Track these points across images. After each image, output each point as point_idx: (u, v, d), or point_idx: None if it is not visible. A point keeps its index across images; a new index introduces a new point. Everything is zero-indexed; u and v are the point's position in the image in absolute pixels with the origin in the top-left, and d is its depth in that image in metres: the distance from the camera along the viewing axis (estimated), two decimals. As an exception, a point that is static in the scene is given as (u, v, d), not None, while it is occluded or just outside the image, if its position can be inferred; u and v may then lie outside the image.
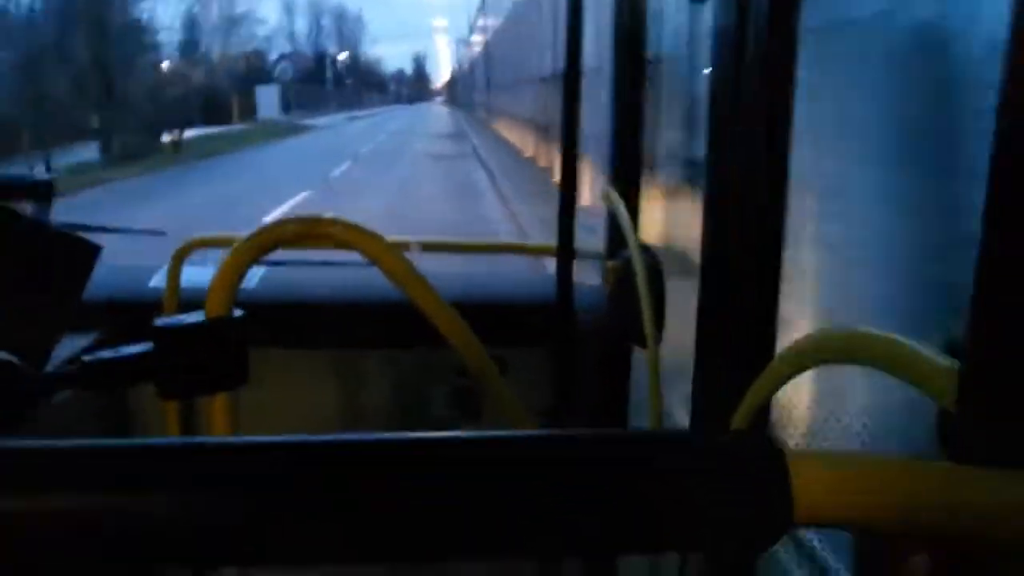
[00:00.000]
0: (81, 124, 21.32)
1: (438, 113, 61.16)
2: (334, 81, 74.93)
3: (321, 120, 41.75)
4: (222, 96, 40.00)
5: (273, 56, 76.89)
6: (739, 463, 0.39)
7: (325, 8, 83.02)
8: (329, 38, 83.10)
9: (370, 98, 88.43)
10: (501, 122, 26.22)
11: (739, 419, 0.57)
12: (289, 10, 78.09)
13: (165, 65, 36.53)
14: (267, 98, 35.51)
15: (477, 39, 48.02)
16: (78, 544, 0.35)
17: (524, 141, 16.99)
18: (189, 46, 70.12)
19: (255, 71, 71.05)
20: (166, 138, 23.21)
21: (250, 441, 0.39)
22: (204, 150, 22.41)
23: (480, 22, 40.28)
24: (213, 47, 73.14)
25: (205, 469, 0.37)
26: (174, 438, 0.73)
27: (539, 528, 0.37)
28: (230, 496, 0.36)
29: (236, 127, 33.40)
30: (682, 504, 0.38)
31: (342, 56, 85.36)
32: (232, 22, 75.57)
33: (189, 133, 26.57)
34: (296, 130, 32.12)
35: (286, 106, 44.07)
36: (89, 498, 0.36)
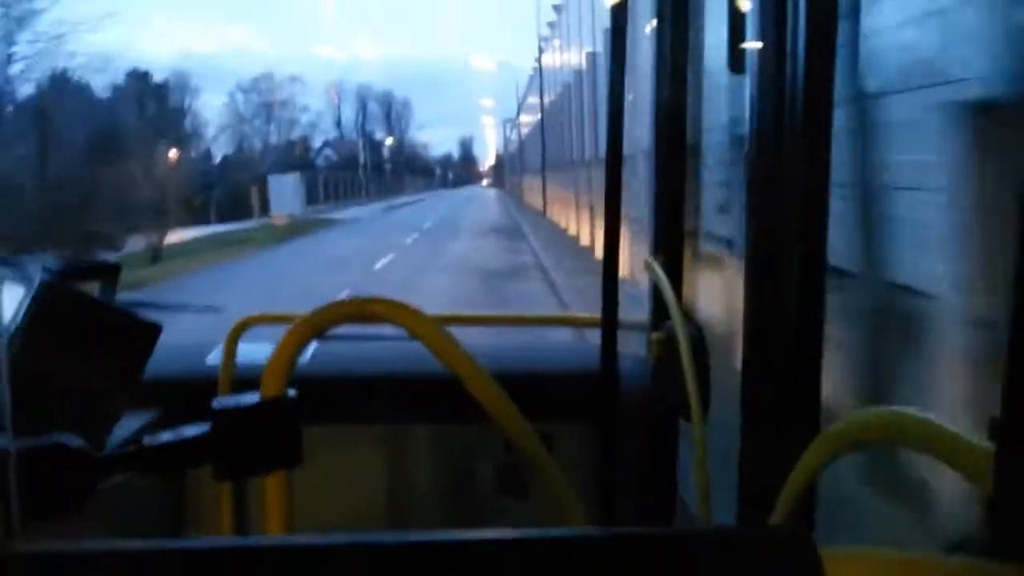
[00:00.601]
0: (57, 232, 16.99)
1: (485, 199, 55.98)
2: (374, 167, 70.97)
3: (352, 212, 36.43)
4: (243, 189, 35.15)
5: (318, 143, 74.65)
6: (775, 563, 0.40)
7: (371, 94, 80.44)
8: (376, 124, 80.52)
9: (414, 183, 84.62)
10: (561, 210, 20.53)
11: (784, 500, 0.58)
12: (336, 96, 75.43)
13: (175, 157, 31.98)
14: (283, 189, 29.91)
15: (525, 119, 43.81)
16: None
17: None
18: (224, 135, 67.37)
19: (297, 159, 67.92)
20: (141, 244, 18.43)
21: (302, 543, 0.41)
22: (180, 262, 16.94)
23: (531, 99, 37.29)
24: (253, 136, 70.44)
25: (260, 573, 0.39)
26: (225, 538, 0.79)
27: None
28: None
29: (243, 225, 28.17)
30: None
31: (388, 141, 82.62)
32: (272, 108, 73.03)
33: (185, 234, 21.69)
34: (315, 227, 26.55)
35: (314, 196, 38.89)
36: None
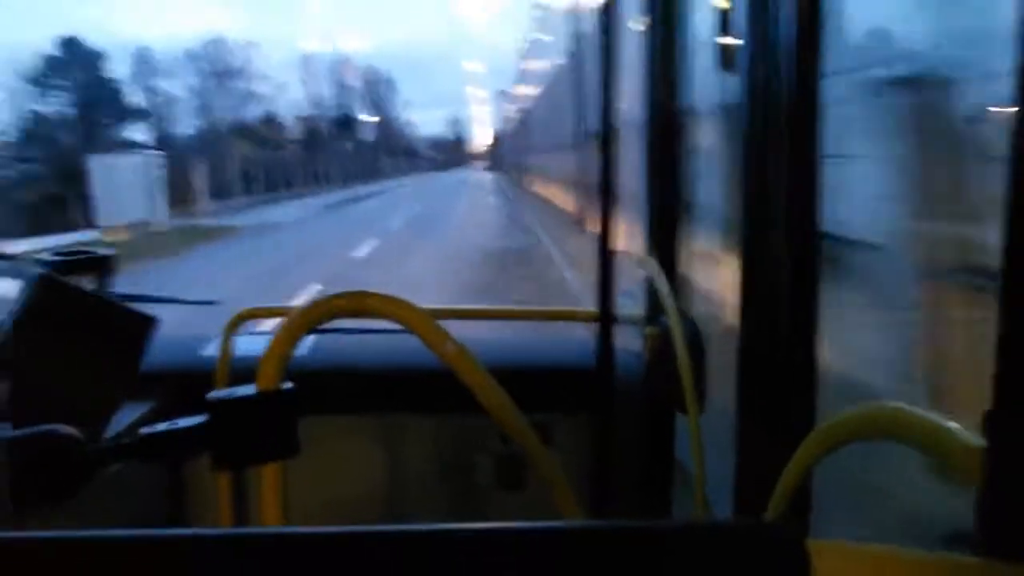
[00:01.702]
0: None
1: (479, 188, 43.46)
2: (330, 146, 58.93)
3: (278, 212, 23.97)
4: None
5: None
6: (760, 554, 0.41)
7: (350, 69, 69.81)
8: (357, 102, 70.46)
9: (395, 166, 72.75)
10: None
11: (779, 494, 0.59)
12: (304, 68, 64.61)
13: None
14: (118, 182, 17.12)
15: (526, 90, 35.80)
16: None
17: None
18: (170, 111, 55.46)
19: (259, 138, 56.19)
20: None
21: (297, 532, 0.42)
22: None
23: (529, 65, 31.54)
24: (202, 111, 58.24)
25: (256, 563, 0.40)
26: (222, 529, 0.78)
27: None
28: None
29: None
30: None
31: (368, 120, 72.04)
32: (222, 77, 60.71)
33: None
34: (157, 251, 14.01)
35: (217, 189, 26.41)
36: None
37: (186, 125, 53.56)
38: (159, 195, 18.68)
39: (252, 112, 58.99)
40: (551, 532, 0.43)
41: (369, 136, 71.78)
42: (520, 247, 13.65)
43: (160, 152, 21.05)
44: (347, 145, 59.75)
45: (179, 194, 23.11)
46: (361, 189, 40.83)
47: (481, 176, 64.67)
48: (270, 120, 59.21)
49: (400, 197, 32.83)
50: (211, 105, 56.89)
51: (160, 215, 18.16)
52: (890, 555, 0.41)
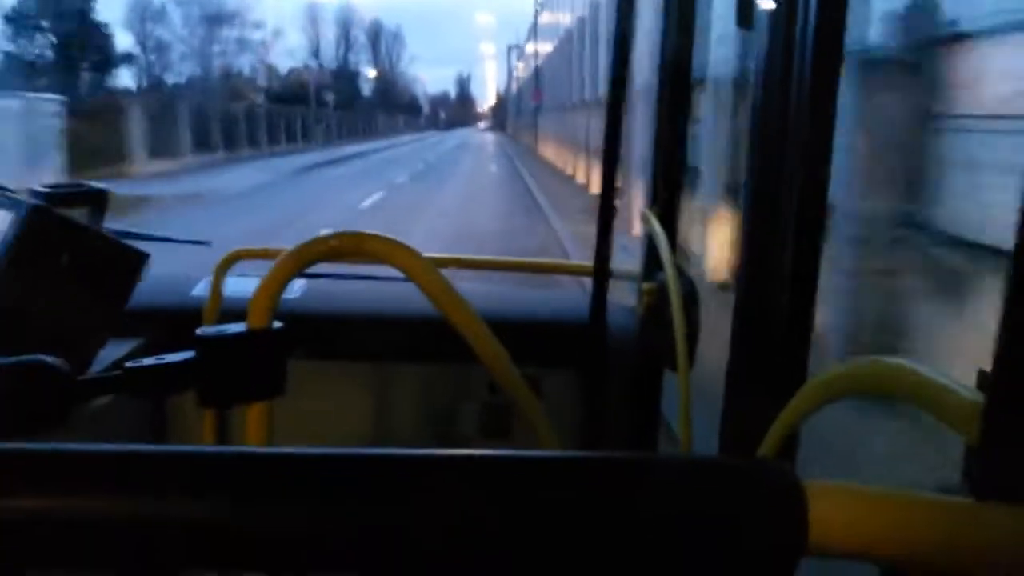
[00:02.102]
0: None
1: (480, 150, 38.86)
2: (341, 103, 54.33)
3: (231, 177, 19.42)
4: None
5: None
6: (756, 491, 0.41)
7: (356, 21, 65.27)
8: (363, 55, 66.04)
9: (393, 124, 68.01)
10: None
11: (767, 445, 0.58)
12: (307, 19, 60.14)
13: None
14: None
15: (540, 47, 33.42)
16: (105, 547, 0.37)
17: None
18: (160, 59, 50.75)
19: (251, 90, 51.59)
20: None
21: (280, 453, 0.41)
22: None
23: (545, 18, 29.91)
24: (190, 58, 53.49)
25: (236, 478, 0.39)
26: (208, 447, 0.77)
27: (553, 548, 0.39)
28: (258, 506, 0.38)
29: None
30: (696, 529, 0.40)
31: (371, 74, 67.36)
32: (212, 22, 55.74)
33: None
34: None
35: (164, 147, 21.80)
36: (117, 503, 0.37)
37: (173, 74, 49.37)
38: (49, 153, 14.19)
39: (244, 62, 54.63)
40: (540, 461, 0.42)
41: (368, 92, 67.22)
42: (532, 247, 9.29)
43: (57, 98, 16.37)
44: (339, 100, 54.87)
45: (106, 153, 18.65)
46: (346, 149, 36.08)
47: (482, 136, 60.02)
48: (255, 71, 54.64)
49: (387, 161, 28.27)
50: (197, 53, 52.45)
51: (44, 179, 13.71)
52: (886, 496, 0.40)
